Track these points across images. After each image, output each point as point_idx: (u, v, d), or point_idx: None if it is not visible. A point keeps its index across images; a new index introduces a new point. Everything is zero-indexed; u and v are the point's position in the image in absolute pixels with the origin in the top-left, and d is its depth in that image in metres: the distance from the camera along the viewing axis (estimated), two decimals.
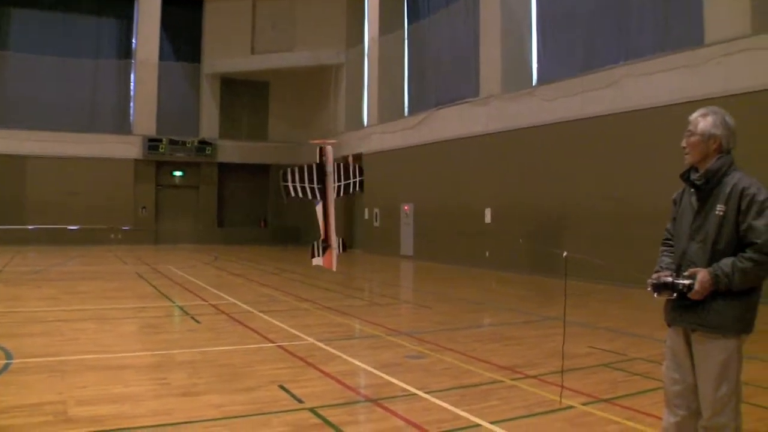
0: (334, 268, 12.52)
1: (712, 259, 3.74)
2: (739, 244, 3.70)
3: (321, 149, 11.83)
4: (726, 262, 3.66)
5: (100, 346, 8.74)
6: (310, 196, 11.88)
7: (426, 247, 25.65)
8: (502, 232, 21.18)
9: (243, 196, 37.71)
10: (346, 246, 13.13)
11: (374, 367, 7.59)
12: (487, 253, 21.76)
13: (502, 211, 21.41)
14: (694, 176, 3.94)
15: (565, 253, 4.53)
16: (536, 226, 19.81)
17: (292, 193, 11.36)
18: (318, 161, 11.73)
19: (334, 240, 11.87)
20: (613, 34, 18.85)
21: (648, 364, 7.74)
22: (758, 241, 3.59)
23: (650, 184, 15.40)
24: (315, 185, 11.74)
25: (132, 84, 35.33)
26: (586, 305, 13.47)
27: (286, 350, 8.56)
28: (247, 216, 37.59)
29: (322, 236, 11.78)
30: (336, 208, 24.89)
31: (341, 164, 12.19)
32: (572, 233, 18.39)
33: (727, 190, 3.76)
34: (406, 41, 29.84)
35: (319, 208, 11.78)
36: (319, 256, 12.52)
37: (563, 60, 20.64)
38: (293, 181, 11.50)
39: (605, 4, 19.18)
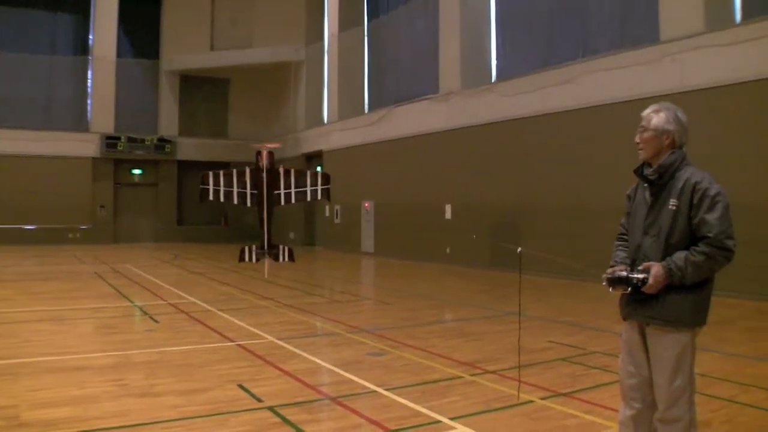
0: (266, 275, 12.26)
1: (666, 253, 3.78)
2: (692, 237, 3.75)
3: (258, 154, 11.50)
4: (679, 256, 3.71)
5: (56, 347, 8.59)
6: (236, 201, 11.52)
7: (387, 243, 25.67)
8: (463, 228, 21.27)
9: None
10: (293, 256, 12.91)
11: (334, 365, 7.56)
12: (447, 249, 21.84)
13: (462, 207, 21.50)
14: (647, 171, 3.98)
15: (519, 249, 4.56)
16: (496, 222, 19.93)
17: (211, 197, 11.06)
18: (255, 166, 11.41)
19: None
20: (571, 32, 19.00)
21: (606, 358, 7.82)
22: (710, 234, 3.64)
23: (609, 178, 15.54)
24: (247, 190, 11.38)
25: (89, 81, 34.76)
26: (546, 300, 13.57)
27: (245, 349, 8.50)
28: (207, 214, 37.22)
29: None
30: (294, 205, 24.31)
31: (289, 171, 11.93)
32: (532, 228, 18.52)
33: (680, 184, 3.80)
34: (365, 38, 29.80)
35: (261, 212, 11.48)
36: (251, 260, 12.29)
37: (522, 56, 20.75)
38: (216, 185, 11.16)
39: (563, 1, 19.33)
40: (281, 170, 11.98)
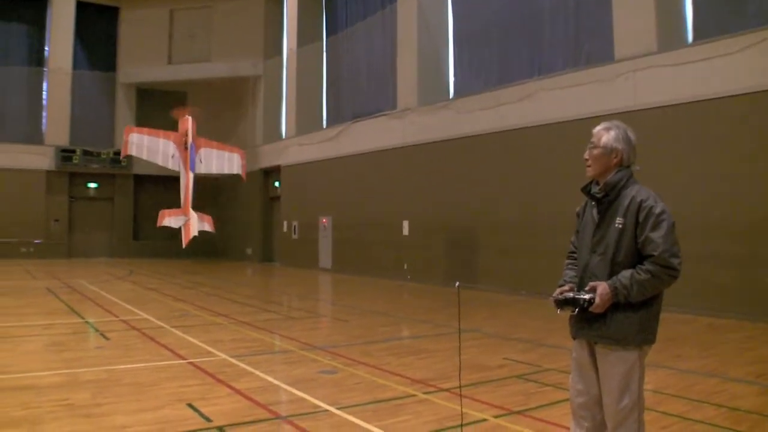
0: (184, 245, 12.17)
1: (613, 271, 3.78)
2: (639, 256, 3.75)
3: (182, 121, 11.55)
4: (625, 275, 3.71)
5: None
6: (160, 161, 11.56)
7: (344, 260, 25.59)
8: (420, 245, 21.29)
9: (159, 209, 36.72)
10: (212, 225, 12.91)
11: (286, 383, 7.46)
12: (405, 266, 21.82)
13: (419, 223, 21.51)
14: (594, 189, 3.99)
15: (457, 284, 4.56)
16: (453, 238, 19.97)
17: (134, 152, 11.08)
18: (179, 130, 11.45)
19: (189, 211, 11.54)
20: (527, 49, 19.19)
21: (560, 375, 7.80)
22: (655, 253, 3.64)
23: (564, 195, 15.65)
24: (169, 154, 11.46)
25: (44, 93, 34.28)
26: (501, 316, 13.61)
27: (196, 367, 8.35)
28: (163, 229, 36.77)
29: (182, 207, 11.44)
30: (252, 221, 24.38)
31: (213, 150, 11.97)
32: (488, 243, 18.60)
33: (626, 202, 3.81)
34: (324, 53, 29.81)
35: (181, 178, 11.55)
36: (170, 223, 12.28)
37: (479, 74, 20.89)
38: (140, 142, 11.20)
39: (519, 20, 19.52)
40: (202, 140, 12.09)
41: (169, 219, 11.57)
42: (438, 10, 22.22)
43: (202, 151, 11.91)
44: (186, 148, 11.49)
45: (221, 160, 12.25)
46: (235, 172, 12.98)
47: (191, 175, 11.67)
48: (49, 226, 33.58)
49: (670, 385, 7.39)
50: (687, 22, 15.15)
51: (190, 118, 11.50)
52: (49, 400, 6.66)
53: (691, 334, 11.27)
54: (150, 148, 11.40)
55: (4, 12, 33.56)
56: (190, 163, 11.55)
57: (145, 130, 11.52)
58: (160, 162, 11.59)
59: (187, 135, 11.52)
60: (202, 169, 12.21)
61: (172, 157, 11.51)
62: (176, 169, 11.67)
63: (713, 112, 13.50)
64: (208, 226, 12.12)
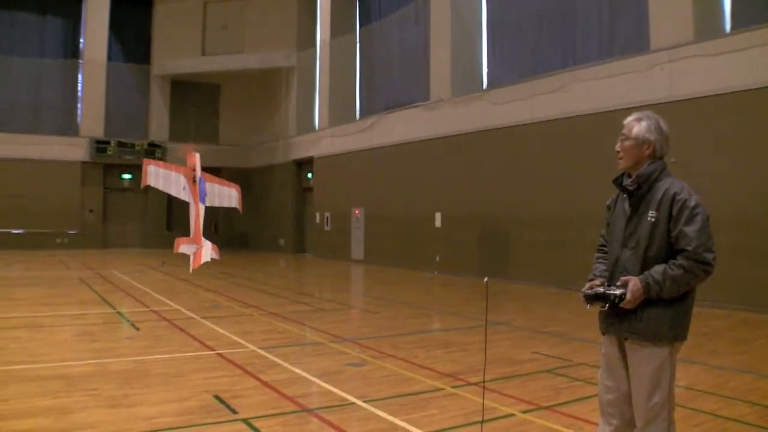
0: (191, 269, 13.00)
1: (645, 265, 3.68)
2: (671, 250, 3.64)
3: (189, 157, 12.34)
4: (657, 270, 3.60)
5: (30, 355, 8.42)
6: (173, 192, 12.41)
7: (377, 251, 25.55)
8: (452, 237, 21.18)
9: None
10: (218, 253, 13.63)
11: (314, 376, 7.42)
12: (437, 258, 21.73)
13: (452, 215, 21.39)
14: (626, 182, 3.88)
15: (486, 279, 4.47)
16: (486, 230, 19.83)
17: (152, 182, 11.88)
18: (186, 165, 12.21)
19: (201, 239, 12.26)
20: (561, 40, 18.95)
21: (591, 370, 7.68)
22: (689, 247, 3.53)
23: (599, 187, 15.43)
24: (181, 186, 12.35)
25: (79, 85, 34.60)
26: (533, 309, 13.48)
27: (225, 358, 8.36)
28: None
29: (192, 236, 12.16)
30: (285, 212, 24.87)
31: (215, 186, 12.77)
32: (522, 236, 18.45)
33: (659, 195, 3.69)
34: (357, 44, 29.75)
35: (191, 208, 12.36)
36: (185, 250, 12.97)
37: (512, 64, 20.69)
38: (156, 172, 12.03)
39: (553, 10, 19.28)
40: (207, 176, 12.88)
41: (183, 247, 12.39)
42: (471, 0, 22.03)
43: (206, 185, 12.80)
44: (195, 182, 12.36)
45: (222, 195, 13.34)
46: (233, 206, 13.98)
47: (201, 207, 12.59)
48: (84, 216, 33.89)
49: (702, 381, 7.25)
50: (725, 11, 14.83)
51: (197, 155, 12.36)
52: (77, 390, 6.69)
53: (725, 330, 11.07)
54: (165, 179, 12.32)
55: (40, 5, 33.86)
56: (200, 195, 12.41)
57: (161, 163, 12.66)
58: (173, 193, 12.62)
59: (195, 170, 12.36)
60: (206, 201, 13.00)
61: (184, 189, 12.39)
62: (187, 200, 12.50)
63: (751, 104, 13.20)
64: (215, 255, 12.98)
